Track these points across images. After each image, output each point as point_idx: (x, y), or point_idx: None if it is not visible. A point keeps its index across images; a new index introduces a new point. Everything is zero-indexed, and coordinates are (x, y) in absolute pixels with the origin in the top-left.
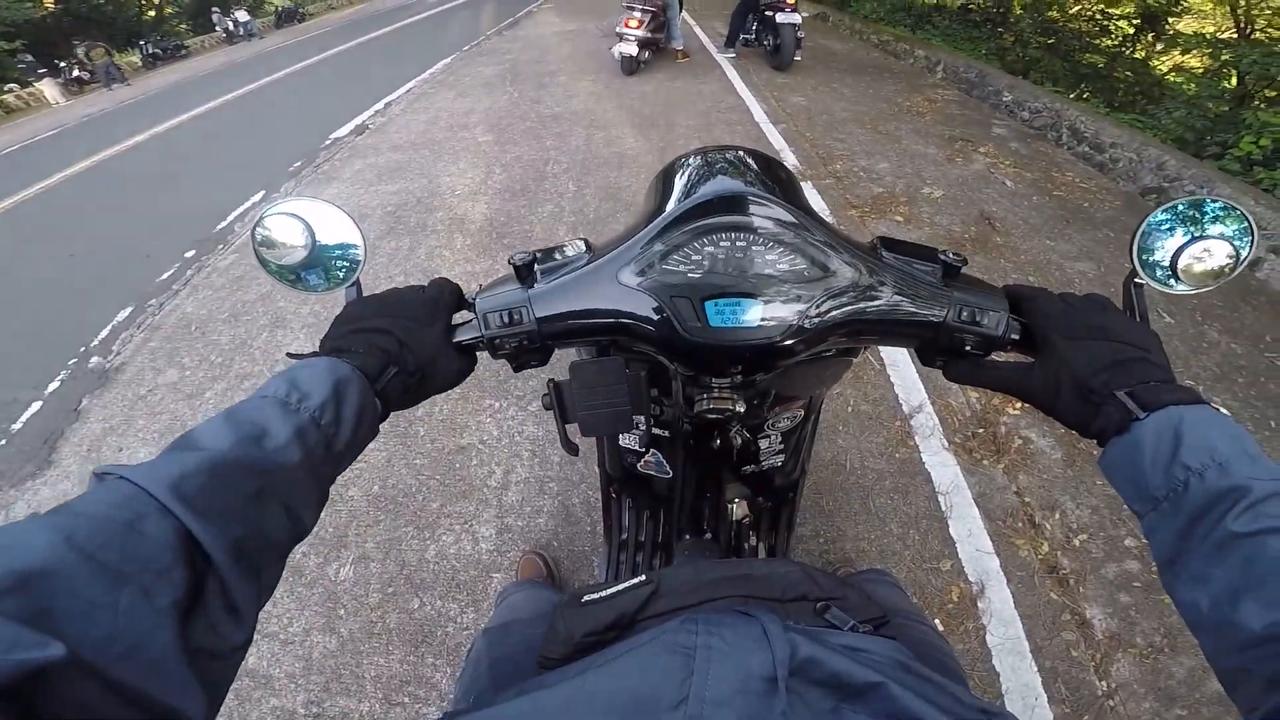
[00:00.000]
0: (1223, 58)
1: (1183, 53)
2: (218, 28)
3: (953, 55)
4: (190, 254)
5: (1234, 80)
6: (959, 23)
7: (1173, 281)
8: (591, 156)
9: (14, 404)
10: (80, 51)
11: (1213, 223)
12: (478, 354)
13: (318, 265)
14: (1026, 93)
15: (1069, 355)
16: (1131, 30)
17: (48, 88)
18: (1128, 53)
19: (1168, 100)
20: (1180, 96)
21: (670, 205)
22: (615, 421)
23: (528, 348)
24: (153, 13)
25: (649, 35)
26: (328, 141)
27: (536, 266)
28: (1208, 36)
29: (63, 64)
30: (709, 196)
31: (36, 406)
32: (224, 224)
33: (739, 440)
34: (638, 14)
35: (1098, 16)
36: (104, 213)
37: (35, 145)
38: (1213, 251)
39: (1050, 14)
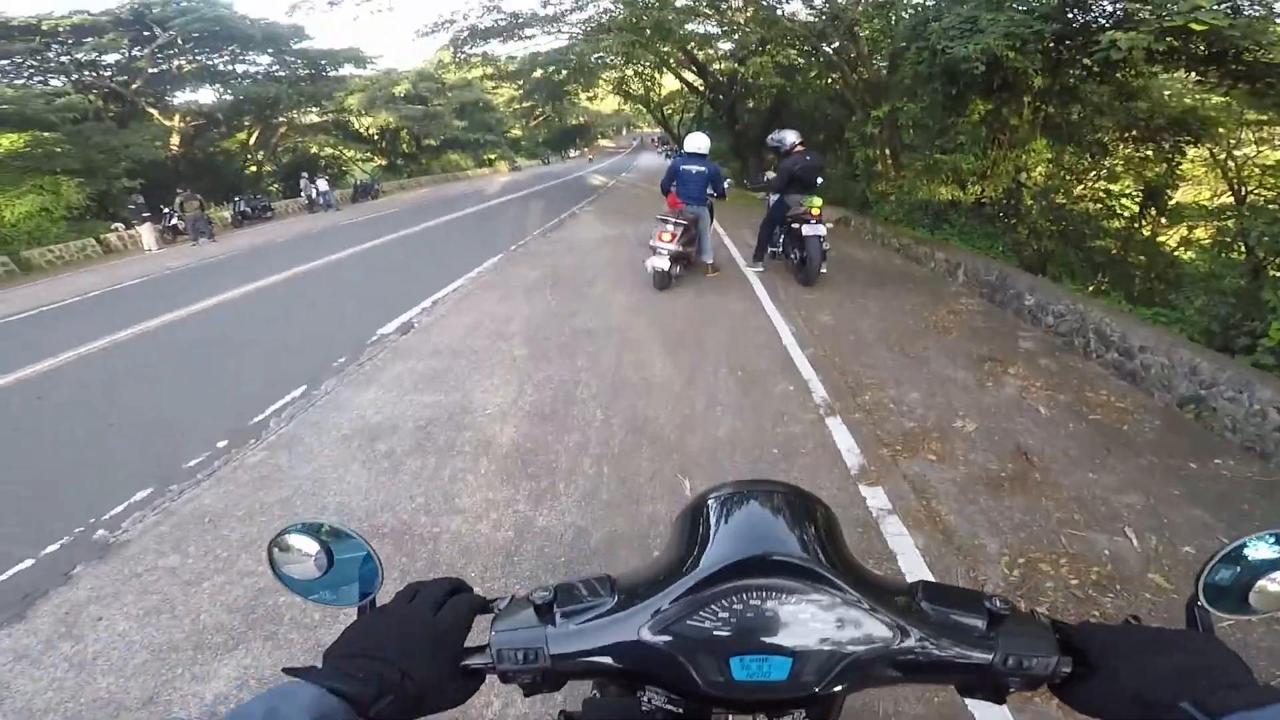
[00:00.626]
0: (1229, 228)
1: (1189, 228)
2: (302, 194)
3: (972, 256)
4: (222, 444)
5: (1243, 251)
6: (974, 217)
7: (1241, 608)
8: (620, 380)
9: (5, 557)
10: (177, 201)
11: None
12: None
13: (333, 583)
14: (1048, 294)
15: (1125, 671)
16: (1136, 208)
17: (146, 233)
18: (1136, 230)
19: (1185, 285)
20: (1195, 277)
21: (701, 560)
22: None
23: (539, 681)
24: (254, 168)
25: (681, 249)
26: (374, 337)
27: (556, 608)
28: (1208, 207)
29: (166, 210)
30: (739, 558)
31: (27, 564)
32: (260, 417)
33: None
34: (670, 227)
35: (1101, 196)
36: (157, 380)
37: (118, 292)
38: None
39: (1057, 198)
